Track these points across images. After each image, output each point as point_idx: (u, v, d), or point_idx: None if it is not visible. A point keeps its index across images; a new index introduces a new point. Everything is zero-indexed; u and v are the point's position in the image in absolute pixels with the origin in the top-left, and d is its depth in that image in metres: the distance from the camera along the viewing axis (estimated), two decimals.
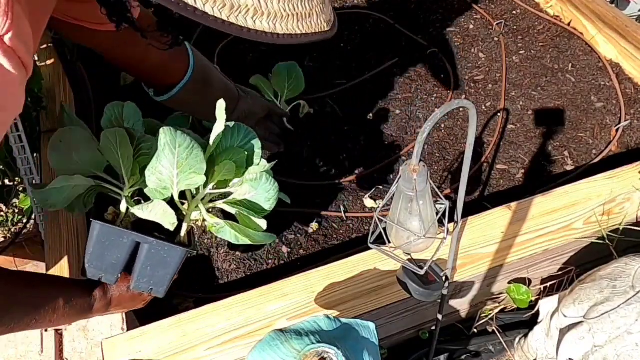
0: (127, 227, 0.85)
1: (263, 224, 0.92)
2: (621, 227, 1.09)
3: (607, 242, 1.07)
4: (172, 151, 0.79)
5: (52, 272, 1.06)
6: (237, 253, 1.19)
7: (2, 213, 1.94)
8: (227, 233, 0.90)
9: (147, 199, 0.87)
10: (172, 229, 0.85)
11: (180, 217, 0.87)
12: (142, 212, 0.84)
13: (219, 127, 0.85)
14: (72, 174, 0.85)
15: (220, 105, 0.84)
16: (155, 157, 0.81)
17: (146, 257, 0.85)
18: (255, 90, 1.29)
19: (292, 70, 1.42)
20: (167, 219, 0.83)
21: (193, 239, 0.93)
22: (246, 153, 0.89)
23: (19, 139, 1.21)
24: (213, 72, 1.16)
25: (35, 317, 0.77)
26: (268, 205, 0.91)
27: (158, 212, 0.83)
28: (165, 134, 0.78)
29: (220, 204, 0.92)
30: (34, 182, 1.29)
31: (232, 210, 0.91)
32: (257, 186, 0.88)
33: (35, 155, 1.31)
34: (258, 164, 0.91)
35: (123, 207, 0.87)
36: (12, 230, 1.91)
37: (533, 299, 1.18)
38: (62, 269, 1.06)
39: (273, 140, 1.29)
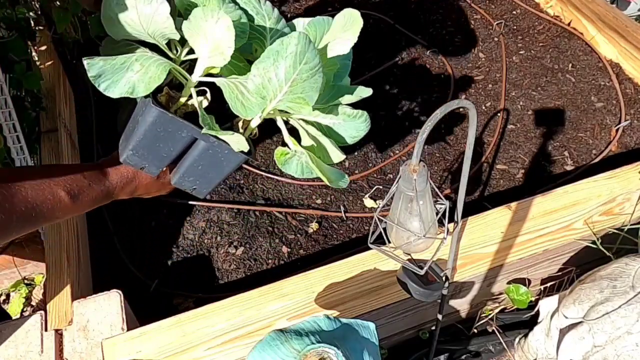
0: (181, 117, 0.75)
1: (339, 156, 0.81)
2: (624, 229, 1.09)
3: (601, 248, 1.07)
4: (296, 65, 0.66)
5: (52, 272, 1.06)
6: (237, 253, 1.19)
7: None
8: (294, 163, 0.79)
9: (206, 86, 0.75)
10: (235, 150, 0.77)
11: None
12: (213, 131, 0.72)
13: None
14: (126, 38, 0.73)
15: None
16: (272, 57, 0.67)
17: (200, 156, 0.77)
18: None
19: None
20: (240, 146, 0.75)
21: (251, 145, 0.84)
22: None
23: (17, 139, 1.21)
24: None
25: (39, 219, 0.71)
26: (351, 140, 0.83)
27: (232, 140, 0.74)
28: (298, 41, 0.65)
29: (297, 121, 0.80)
30: None
31: (306, 134, 0.79)
32: (350, 119, 0.80)
33: (33, 156, 1.31)
34: (352, 94, 0.81)
35: (185, 96, 0.76)
36: None
37: (533, 299, 1.18)
38: (62, 269, 1.06)
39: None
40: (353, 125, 0.81)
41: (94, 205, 0.79)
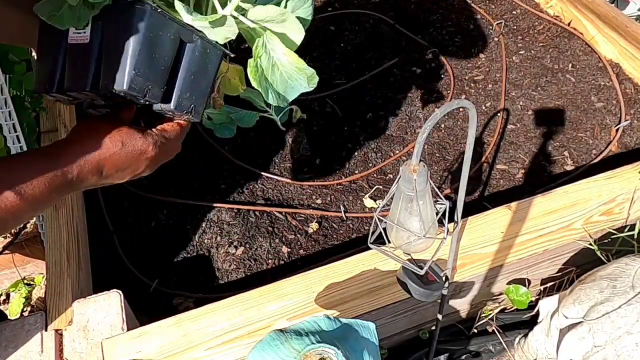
0: None
1: (301, 31, 0.72)
2: (624, 230, 1.09)
3: (598, 253, 1.07)
4: None
5: (52, 272, 1.06)
6: (237, 253, 1.19)
7: None
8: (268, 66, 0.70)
9: None
10: (221, 42, 0.69)
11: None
12: (199, 21, 0.66)
13: None
14: None
15: None
16: None
17: (190, 63, 0.70)
18: (248, 103, 1.14)
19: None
20: (228, 35, 0.68)
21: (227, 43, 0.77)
22: None
23: (17, 139, 1.21)
24: None
25: None
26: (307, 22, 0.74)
27: (228, 31, 0.66)
28: None
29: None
30: None
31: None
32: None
33: None
34: None
35: None
36: (12, 230, 1.91)
37: (533, 299, 1.18)
38: (62, 269, 1.06)
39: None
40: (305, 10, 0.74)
41: (54, 196, 0.63)
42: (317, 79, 0.76)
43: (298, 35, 0.73)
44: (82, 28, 0.68)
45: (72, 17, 0.66)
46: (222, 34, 0.71)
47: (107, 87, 0.66)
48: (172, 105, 0.71)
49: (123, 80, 0.64)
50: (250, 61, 0.71)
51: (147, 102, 0.70)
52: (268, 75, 0.72)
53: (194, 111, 0.73)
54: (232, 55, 0.80)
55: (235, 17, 0.72)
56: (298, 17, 0.72)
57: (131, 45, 0.63)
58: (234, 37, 0.73)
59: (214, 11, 0.71)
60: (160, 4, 0.69)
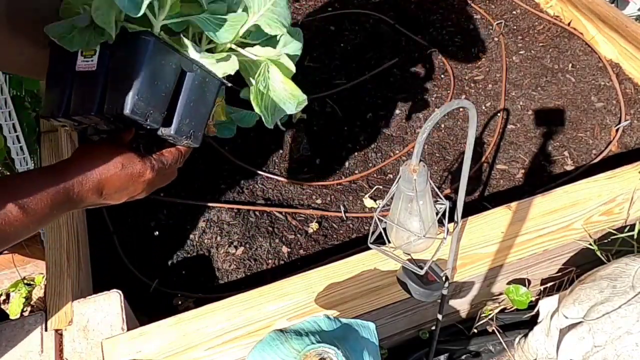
0: None
1: (292, 67, 0.80)
2: (624, 230, 1.09)
3: (598, 253, 1.07)
4: None
5: (52, 272, 1.06)
6: (237, 253, 1.19)
7: None
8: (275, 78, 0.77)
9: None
10: (220, 76, 0.75)
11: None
12: (207, 58, 0.72)
13: None
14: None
15: None
16: None
17: (189, 91, 0.74)
18: (248, 103, 1.18)
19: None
20: (227, 68, 0.74)
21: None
22: None
23: (17, 139, 1.21)
24: None
25: None
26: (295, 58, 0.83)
27: (229, 66, 0.73)
28: None
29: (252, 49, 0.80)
30: None
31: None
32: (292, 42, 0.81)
33: (33, 156, 1.31)
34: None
35: (144, 8, 0.68)
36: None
37: (533, 299, 1.18)
38: (62, 269, 1.06)
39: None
40: (295, 45, 0.82)
41: (55, 213, 0.66)
42: (305, 104, 0.83)
43: (291, 67, 0.82)
44: (90, 56, 0.72)
45: (81, 41, 0.71)
46: (223, 69, 0.76)
47: (111, 110, 0.70)
48: (172, 130, 0.74)
49: (126, 104, 0.68)
50: (252, 88, 0.77)
51: (149, 127, 0.73)
52: (266, 99, 0.79)
53: (193, 136, 0.77)
54: (229, 85, 0.85)
55: (236, 52, 0.78)
56: (287, 55, 0.80)
57: (135, 72, 0.68)
58: (232, 73, 0.78)
59: (211, 43, 0.77)
60: (165, 36, 0.73)
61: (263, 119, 0.78)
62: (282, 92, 0.80)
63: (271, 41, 0.83)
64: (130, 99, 0.68)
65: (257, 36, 0.81)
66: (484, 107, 1.48)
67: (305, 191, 1.31)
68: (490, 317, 1.21)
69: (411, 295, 0.89)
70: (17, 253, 1.64)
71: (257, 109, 0.77)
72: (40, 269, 1.67)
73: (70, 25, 0.71)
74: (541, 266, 1.15)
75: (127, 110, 0.68)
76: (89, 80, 0.72)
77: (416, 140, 0.68)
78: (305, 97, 0.82)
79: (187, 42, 0.74)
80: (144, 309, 1.09)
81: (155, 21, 0.71)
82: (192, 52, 0.75)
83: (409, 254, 0.91)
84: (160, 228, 1.26)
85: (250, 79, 0.82)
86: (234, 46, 0.78)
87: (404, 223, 0.81)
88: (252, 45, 0.80)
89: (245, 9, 0.76)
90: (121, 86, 0.69)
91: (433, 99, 1.51)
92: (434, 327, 1.10)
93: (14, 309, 1.61)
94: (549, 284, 1.20)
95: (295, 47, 0.83)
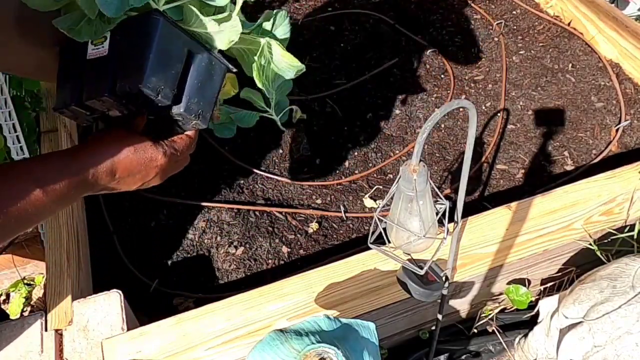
0: None
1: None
2: (624, 230, 1.09)
3: (598, 253, 1.07)
4: None
5: (52, 272, 1.06)
6: (237, 253, 1.19)
7: None
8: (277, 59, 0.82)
9: None
10: (224, 48, 0.77)
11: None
12: (212, 23, 0.73)
13: None
14: None
15: None
16: None
17: (197, 72, 0.76)
18: (248, 103, 1.14)
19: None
20: (232, 37, 0.76)
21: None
22: None
23: (17, 139, 1.21)
24: None
25: (10, 223, 0.61)
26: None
27: (233, 31, 0.74)
28: None
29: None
30: None
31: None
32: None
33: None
34: None
35: None
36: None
37: (533, 299, 1.18)
38: (62, 269, 1.06)
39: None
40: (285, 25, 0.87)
41: (71, 196, 0.68)
42: (303, 70, 0.88)
43: (285, 39, 0.88)
44: (101, 43, 0.74)
45: (89, 31, 0.72)
46: (227, 37, 0.77)
47: (124, 88, 0.71)
48: (181, 108, 0.76)
49: (139, 79, 0.70)
50: (254, 65, 0.81)
51: (160, 104, 0.74)
52: (267, 71, 0.83)
53: (202, 116, 0.79)
54: (235, 70, 0.87)
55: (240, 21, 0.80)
56: (278, 37, 0.86)
57: (146, 49, 0.70)
58: (237, 39, 0.79)
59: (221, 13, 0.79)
60: (171, 13, 0.75)
61: (265, 89, 0.81)
62: (281, 64, 0.83)
63: (261, 27, 0.86)
64: (143, 73, 0.69)
65: (247, 25, 0.85)
66: (484, 107, 1.48)
67: (305, 191, 1.31)
68: (490, 317, 1.21)
69: (411, 295, 0.89)
70: (17, 253, 1.64)
71: (258, 82, 0.80)
72: (40, 269, 1.67)
73: (75, 17, 0.72)
74: (541, 266, 1.15)
75: (141, 83, 0.70)
76: (100, 66, 0.74)
77: (416, 140, 0.68)
78: (303, 65, 0.86)
79: (192, 8, 0.74)
80: (144, 309, 1.09)
81: (156, 7, 0.73)
82: (198, 22, 0.75)
83: (409, 254, 0.91)
84: (160, 228, 1.26)
85: (251, 57, 0.85)
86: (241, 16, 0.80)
87: (404, 223, 0.81)
88: (247, 33, 0.83)
89: None
90: (133, 63, 0.70)
91: (433, 99, 1.51)
92: (434, 327, 1.10)
93: (14, 309, 1.61)
94: (549, 284, 1.20)
95: (283, 30, 0.88)
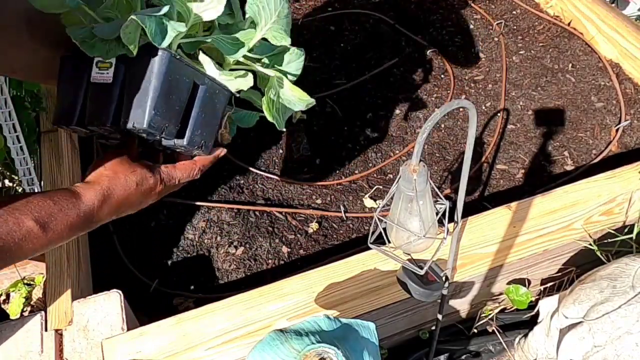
0: None
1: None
2: (624, 230, 1.09)
3: (598, 254, 1.07)
4: (280, 1, 0.75)
5: (52, 272, 1.06)
6: (237, 253, 1.19)
7: None
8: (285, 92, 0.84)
9: None
10: (233, 91, 0.79)
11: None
12: (225, 76, 0.76)
13: None
14: None
15: None
16: None
17: (201, 103, 0.77)
18: (248, 103, 1.11)
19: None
20: (242, 87, 0.79)
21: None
22: None
23: (17, 139, 1.21)
24: None
25: (6, 256, 0.61)
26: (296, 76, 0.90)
27: (244, 82, 0.78)
28: None
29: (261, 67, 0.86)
30: (32, 182, 1.29)
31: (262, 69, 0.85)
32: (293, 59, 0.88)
33: (33, 156, 1.31)
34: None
35: (168, 40, 0.71)
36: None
37: (533, 299, 1.18)
38: (62, 269, 1.06)
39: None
40: (297, 62, 0.88)
41: (73, 233, 0.70)
42: (313, 104, 0.88)
43: (295, 75, 0.90)
44: (106, 69, 0.75)
45: (102, 49, 0.73)
46: (238, 85, 0.80)
47: (128, 124, 0.72)
48: (185, 141, 0.77)
49: (143, 120, 0.71)
50: (264, 98, 0.82)
51: (163, 139, 0.76)
52: (277, 105, 0.84)
53: (204, 146, 0.80)
54: (237, 95, 0.88)
55: (249, 67, 0.82)
56: (289, 72, 0.88)
57: (151, 87, 0.70)
58: (246, 89, 0.82)
59: (225, 60, 0.81)
60: (178, 51, 0.76)
61: (276, 123, 0.81)
62: (291, 98, 0.85)
63: (277, 56, 0.87)
64: (147, 114, 0.70)
65: (262, 50, 0.86)
66: (484, 107, 1.48)
67: (305, 191, 1.31)
68: (490, 317, 1.21)
69: (411, 295, 0.89)
70: None
71: (269, 116, 0.81)
72: (40, 269, 1.67)
73: (90, 31, 0.73)
74: (541, 266, 1.15)
75: (144, 125, 0.71)
76: (104, 92, 0.74)
77: (416, 140, 0.68)
78: (313, 100, 0.86)
79: (205, 58, 0.77)
80: (144, 309, 1.09)
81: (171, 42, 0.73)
82: (211, 70, 0.78)
83: (409, 254, 0.91)
84: (160, 228, 1.26)
85: (260, 87, 0.87)
86: (242, 59, 0.81)
87: (404, 223, 0.81)
88: (259, 59, 0.85)
89: (252, 24, 0.80)
90: (137, 100, 0.71)
91: (433, 99, 1.51)
92: (434, 327, 1.10)
93: (14, 309, 1.61)
94: (549, 284, 1.20)
95: (296, 66, 0.90)
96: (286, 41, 0.79)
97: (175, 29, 0.68)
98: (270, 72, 0.82)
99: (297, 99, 0.85)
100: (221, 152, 0.87)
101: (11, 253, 0.61)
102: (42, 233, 0.64)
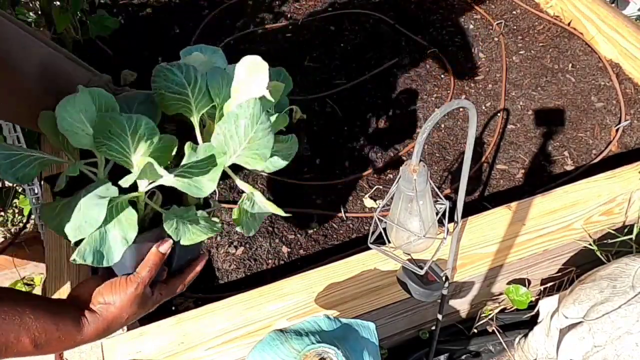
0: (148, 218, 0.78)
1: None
2: (624, 231, 1.09)
3: (598, 254, 1.07)
4: (253, 125, 0.73)
5: (52, 272, 1.06)
6: (237, 253, 1.20)
7: (1, 213, 1.94)
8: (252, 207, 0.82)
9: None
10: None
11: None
12: (250, 206, 0.78)
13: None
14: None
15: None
16: (232, 119, 0.73)
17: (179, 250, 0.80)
18: None
19: (279, 75, 1.42)
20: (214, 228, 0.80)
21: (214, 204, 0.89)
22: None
23: (17, 139, 1.21)
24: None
25: None
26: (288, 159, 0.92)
27: (267, 205, 0.78)
28: (255, 105, 0.72)
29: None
30: (32, 182, 1.29)
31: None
32: (284, 147, 0.89)
33: None
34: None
35: (141, 208, 0.75)
36: (12, 230, 1.91)
37: (533, 299, 1.18)
38: (62, 269, 1.06)
39: None
40: (286, 151, 0.89)
41: (59, 352, 0.76)
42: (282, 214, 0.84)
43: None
44: None
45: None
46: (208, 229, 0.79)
47: None
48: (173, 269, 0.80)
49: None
50: (235, 210, 0.79)
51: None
52: (248, 215, 0.81)
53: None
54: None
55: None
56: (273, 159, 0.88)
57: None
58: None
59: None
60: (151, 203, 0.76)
61: (245, 231, 0.81)
62: (264, 208, 0.83)
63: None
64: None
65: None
66: (484, 107, 1.48)
67: (305, 191, 1.31)
68: (490, 317, 1.21)
69: (411, 295, 0.89)
70: (17, 253, 1.64)
71: (237, 225, 0.79)
72: (40, 269, 1.67)
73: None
74: (541, 266, 1.15)
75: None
76: None
77: (416, 140, 0.68)
78: (283, 213, 0.85)
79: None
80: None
81: (140, 191, 0.73)
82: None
83: (409, 254, 0.91)
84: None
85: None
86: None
87: (404, 223, 0.81)
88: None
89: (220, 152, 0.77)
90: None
91: (433, 99, 1.51)
92: (434, 327, 1.10)
93: None
94: (549, 284, 1.20)
95: (278, 164, 0.89)
96: (261, 164, 0.78)
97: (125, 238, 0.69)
98: (245, 187, 0.82)
99: (271, 209, 0.83)
100: (200, 266, 0.86)
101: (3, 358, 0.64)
102: (33, 350, 0.66)
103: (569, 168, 1.34)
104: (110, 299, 0.72)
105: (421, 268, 0.86)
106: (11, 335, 0.64)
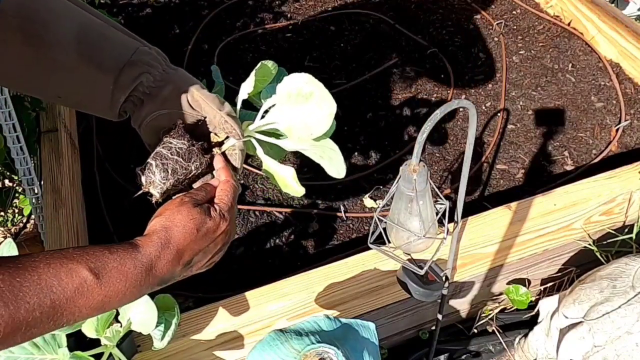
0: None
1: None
2: (624, 231, 1.09)
3: (598, 255, 1.07)
4: None
5: None
6: (237, 253, 1.20)
7: (1, 213, 1.94)
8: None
9: None
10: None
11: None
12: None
13: None
14: None
15: None
16: None
17: None
18: (248, 103, 1.09)
19: (280, 75, 1.42)
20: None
21: None
22: None
23: (17, 139, 1.21)
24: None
25: (56, 314, 0.54)
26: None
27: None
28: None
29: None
30: (32, 182, 1.29)
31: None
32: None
33: (33, 156, 1.30)
34: None
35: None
36: (12, 230, 1.91)
37: (533, 299, 1.18)
38: None
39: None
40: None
41: (132, 289, 0.63)
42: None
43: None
44: None
45: None
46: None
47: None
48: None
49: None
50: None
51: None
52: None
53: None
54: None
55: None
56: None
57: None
58: None
59: None
60: None
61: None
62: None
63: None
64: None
65: None
66: (484, 107, 1.48)
67: (306, 191, 1.31)
68: (490, 317, 1.21)
69: (411, 295, 0.89)
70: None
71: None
72: None
73: None
74: (541, 266, 1.15)
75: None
76: None
77: (416, 140, 0.68)
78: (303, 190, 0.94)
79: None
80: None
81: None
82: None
83: (409, 254, 0.91)
84: None
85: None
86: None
87: (404, 223, 0.81)
88: None
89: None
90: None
91: (433, 99, 1.51)
92: (434, 327, 1.10)
93: None
94: (549, 284, 1.20)
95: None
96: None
97: None
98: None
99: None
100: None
101: (62, 312, 0.54)
102: (96, 284, 0.57)
103: (569, 168, 1.34)
104: (158, 219, 0.72)
105: (421, 268, 0.86)
106: (62, 271, 0.55)
